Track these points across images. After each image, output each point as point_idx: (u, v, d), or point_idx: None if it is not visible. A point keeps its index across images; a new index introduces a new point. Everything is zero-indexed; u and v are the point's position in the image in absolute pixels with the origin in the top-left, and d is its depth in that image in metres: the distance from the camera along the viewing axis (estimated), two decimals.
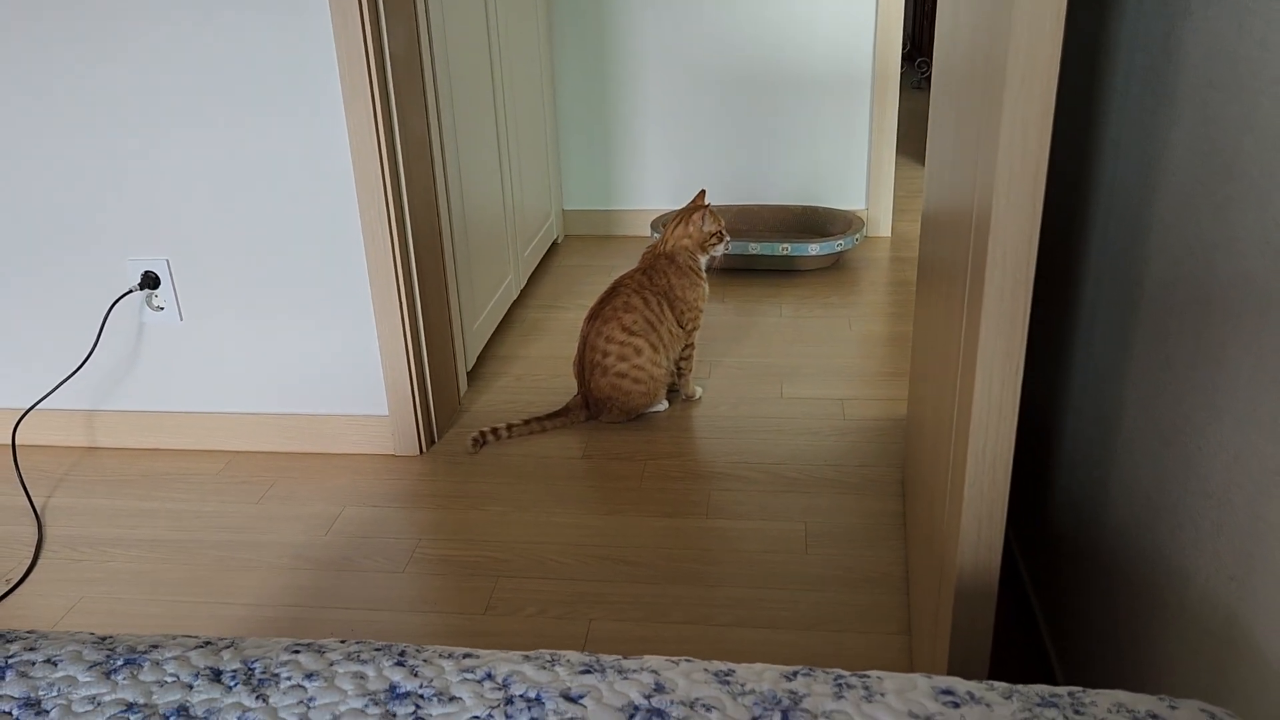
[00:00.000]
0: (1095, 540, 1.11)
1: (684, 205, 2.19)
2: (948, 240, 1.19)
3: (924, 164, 3.18)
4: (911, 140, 4.43)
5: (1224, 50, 0.81)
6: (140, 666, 0.74)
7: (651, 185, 3.20)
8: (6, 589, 1.61)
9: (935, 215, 1.39)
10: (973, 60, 1.03)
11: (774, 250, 2.82)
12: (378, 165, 1.76)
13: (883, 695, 0.67)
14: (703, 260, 2.10)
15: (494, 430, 2.02)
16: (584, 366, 2.03)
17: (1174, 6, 0.92)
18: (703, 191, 2.16)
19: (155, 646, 0.77)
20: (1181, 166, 0.90)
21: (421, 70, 1.90)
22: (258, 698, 0.71)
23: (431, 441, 2.02)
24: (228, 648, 0.77)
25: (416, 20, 1.86)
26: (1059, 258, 1.30)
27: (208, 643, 0.79)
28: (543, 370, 2.32)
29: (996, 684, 0.69)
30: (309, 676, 0.73)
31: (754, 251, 2.83)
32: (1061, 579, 1.24)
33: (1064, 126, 1.30)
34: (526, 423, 2.04)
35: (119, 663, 0.75)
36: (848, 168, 3.12)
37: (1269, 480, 0.73)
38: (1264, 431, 0.74)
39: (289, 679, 0.72)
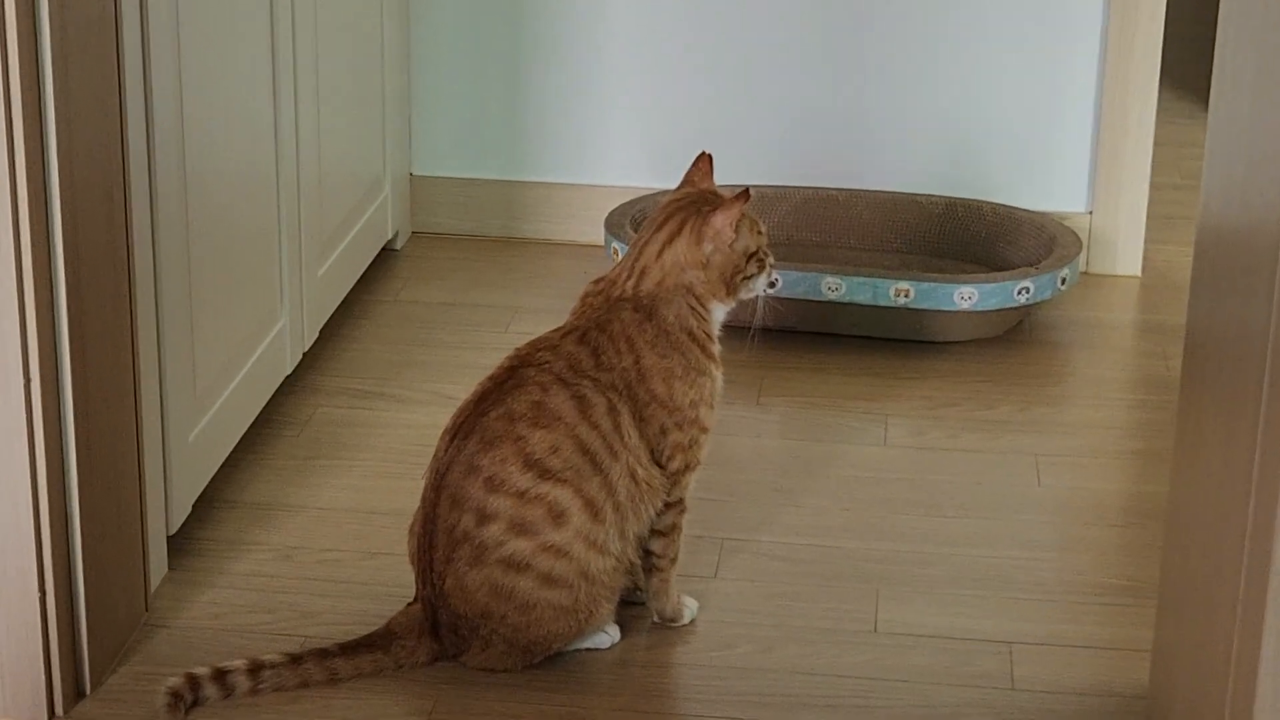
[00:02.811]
0: None
1: (680, 185, 2.12)
2: (1235, 301, 1.32)
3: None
4: (1198, 67, 4.35)
5: None
6: None
7: (614, 138, 3.10)
8: None
9: (1218, 241, 1.51)
10: None
11: (881, 294, 2.68)
12: None
13: None
14: (719, 314, 2.00)
15: (220, 675, 1.86)
16: (434, 541, 1.90)
17: None
18: (706, 156, 2.04)
19: None
20: None
21: None
22: None
23: (79, 694, 1.94)
24: None
25: None
26: None
27: None
28: (338, 539, 2.24)
29: None
30: None
31: (831, 295, 2.73)
32: None
33: None
34: (296, 660, 1.90)
35: None
36: (1049, 127, 3.05)
37: None
38: None
39: None
